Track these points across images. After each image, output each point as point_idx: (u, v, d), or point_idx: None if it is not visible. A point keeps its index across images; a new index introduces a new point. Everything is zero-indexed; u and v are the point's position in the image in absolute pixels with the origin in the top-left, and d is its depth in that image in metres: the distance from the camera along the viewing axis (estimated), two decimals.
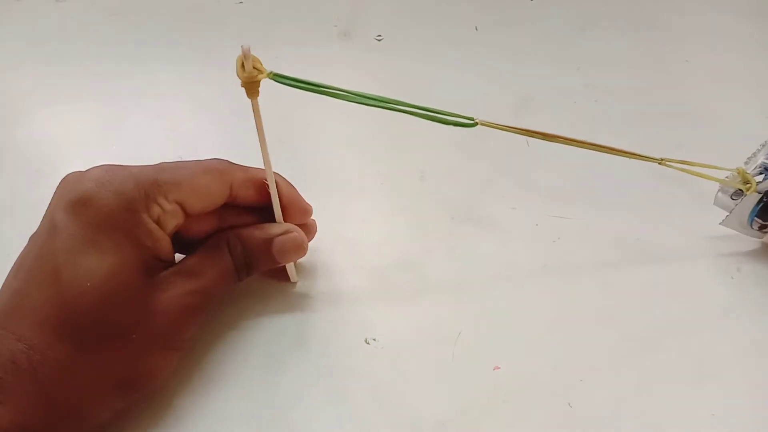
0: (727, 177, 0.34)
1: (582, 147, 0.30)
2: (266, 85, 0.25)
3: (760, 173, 0.33)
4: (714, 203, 0.35)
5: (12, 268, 0.27)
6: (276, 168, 0.29)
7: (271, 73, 0.24)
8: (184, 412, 0.29)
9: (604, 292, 0.34)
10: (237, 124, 0.40)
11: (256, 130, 0.26)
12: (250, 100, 0.25)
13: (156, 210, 0.27)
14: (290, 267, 0.33)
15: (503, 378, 0.31)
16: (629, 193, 0.39)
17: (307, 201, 0.32)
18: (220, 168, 0.29)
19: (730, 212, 0.34)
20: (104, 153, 0.41)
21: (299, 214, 0.32)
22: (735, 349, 0.32)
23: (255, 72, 0.24)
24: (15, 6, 0.53)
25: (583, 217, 0.37)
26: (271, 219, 0.31)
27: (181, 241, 0.30)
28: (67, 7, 0.53)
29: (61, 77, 0.47)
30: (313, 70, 0.47)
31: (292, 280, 0.34)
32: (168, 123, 0.43)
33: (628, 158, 0.32)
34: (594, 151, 0.33)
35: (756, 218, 0.33)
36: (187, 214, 0.29)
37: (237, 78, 0.24)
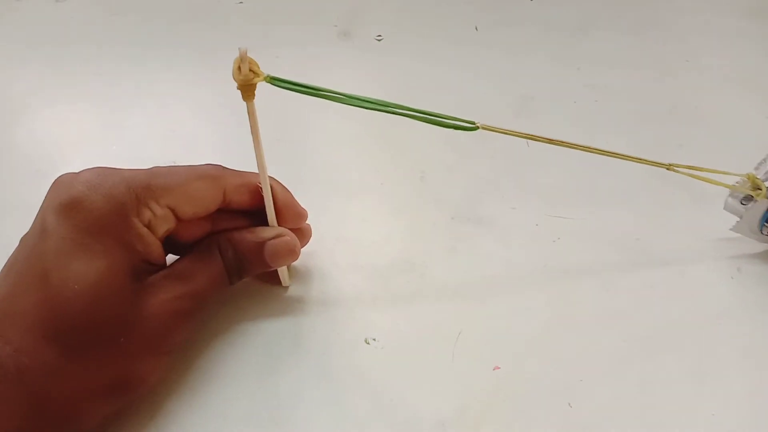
0: (737, 182, 0.34)
1: (588, 151, 0.30)
2: (265, 84, 0.25)
3: None
4: (724, 208, 0.35)
5: (2, 270, 0.26)
6: (275, 168, 0.29)
7: (268, 76, 0.24)
8: (179, 415, 0.29)
9: (604, 293, 0.34)
10: (237, 125, 0.40)
11: (255, 133, 0.26)
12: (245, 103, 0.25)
13: (147, 214, 0.27)
14: (282, 271, 0.33)
15: (503, 378, 0.31)
16: (629, 193, 0.39)
17: (302, 205, 0.32)
18: (213, 174, 0.29)
19: (741, 218, 0.34)
20: (104, 153, 0.41)
21: (294, 218, 0.32)
22: (735, 349, 0.32)
23: (251, 75, 0.24)
24: (15, 6, 0.53)
25: (583, 217, 0.37)
26: (265, 223, 0.31)
27: (173, 244, 0.30)
28: (67, 7, 0.53)
29: (61, 77, 0.47)
30: (313, 70, 0.47)
31: (284, 284, 0.34)
32: (168, 123, 0.43)
33: (636, 163, 0.32)
34: (591, 153, 0.33)
35: (766, 224, 0.33)
36: (179, 219, 0.28)
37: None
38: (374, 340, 0.32)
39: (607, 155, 0.31)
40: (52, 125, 0.43)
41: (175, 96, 0.45)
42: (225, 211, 0.30)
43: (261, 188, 0.29)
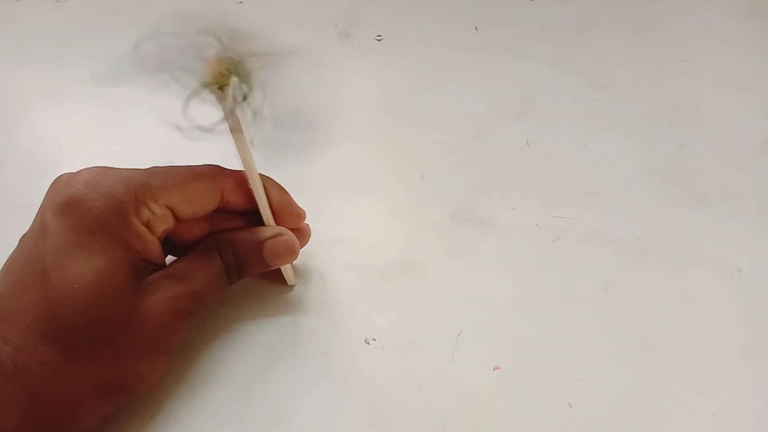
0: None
1: None
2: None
3: None
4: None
5: (1, 269, 0.27)
6: (274, 168, 0.29)
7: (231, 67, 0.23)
8: (179, 415, 0.29)
9: (604, 292, 0.34)
10: None
11: (236, 132, 0.26)
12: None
13: (146, 213, 0.27)
14: (287, 271, 0.33)
15: (503, 378, 0.31)
16: (629, 193, 0.39)
17: (301, 206, 0.32)
18: (211, 174, 0.29)
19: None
20: (103, 153, 0.41)
21: (292, 218, 0.32)
22: (735, 349, 0.32)
23: (223, 75, 0.23)
24: (15, 6, 0.53)
25: (583, 217, 0.37)
26: (264, 224, 0.31)
27: (172, 244, 0.30)
28: (67, 7, 0.53)
29: (61, 77, 0.47)
30: (314, 70, 0.47)
31: (289, 283, 0.34)
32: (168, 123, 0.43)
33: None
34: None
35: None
36: (177, 219, 0.28)
37: None
38: (374, 340, 0.32)
39: None
40: (51, 125, 0.43)
41: (175, 96, 0.45)
42: (224, 211, 0.30)
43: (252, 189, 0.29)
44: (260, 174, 0.29)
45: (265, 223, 0.31)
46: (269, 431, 0.29)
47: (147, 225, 0.27)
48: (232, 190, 0.30)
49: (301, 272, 0.35)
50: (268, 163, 0.29)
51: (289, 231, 0.31)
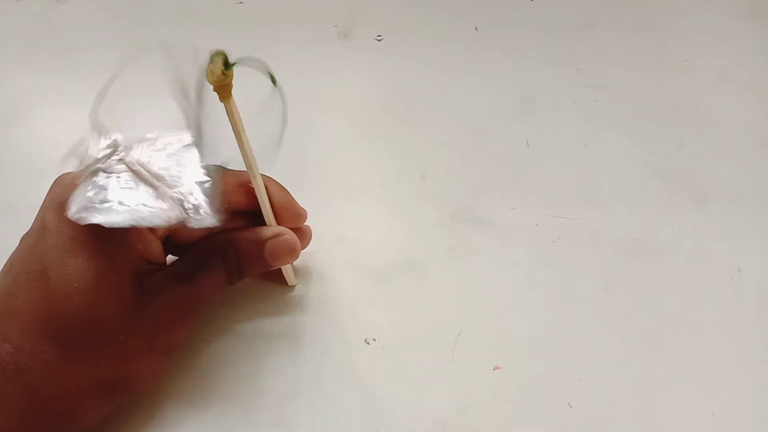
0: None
1: None
2: (266, 86, 0.25)
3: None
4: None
5: (2, 268, 0.27)
6: (274, 168, 0.29)
7: (231, 64, 0.23)
8: (179, 415, 0.29)
9: (604, 292, 0.34)
10: None
11: (237, 133, 0.26)
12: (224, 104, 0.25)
13: None
14: (288, 271, 0.33)
15: (503, 378, 0.31)
16: (629, 193, 0.39)
17: (301, 206, 0.32)
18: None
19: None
20: None
21: (293, 218, 0.32)
22: (735, 349, 0.32)
23: (223, 75, 0.23)
24: (15, 6, 0.53)
25: (583, 217, 0.37)
26: (265, 224, 0.31)
27: (173, 244, 0.30)
28: (67, 7, 0.53)
29: (61, 77, 0.47)
30: (313, 70, 0.47)
31: (290, 284, 0.34)
32: (168, 123, 0.43)
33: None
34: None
35: None
36: None
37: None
38: (374, 340, 0.32)
39: None
40: (52, 125, 0.43)
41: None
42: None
43: (254, 188, 0.29)
44: (262, 174, 0.29)
45: (267, 222, 0.31)
46: (269, 431, 0.29)
47: None
48: (233, 190, 0.30)
49: (301, 272, 0.35)
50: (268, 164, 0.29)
51: (290, 231, 0.31)
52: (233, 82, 0.24)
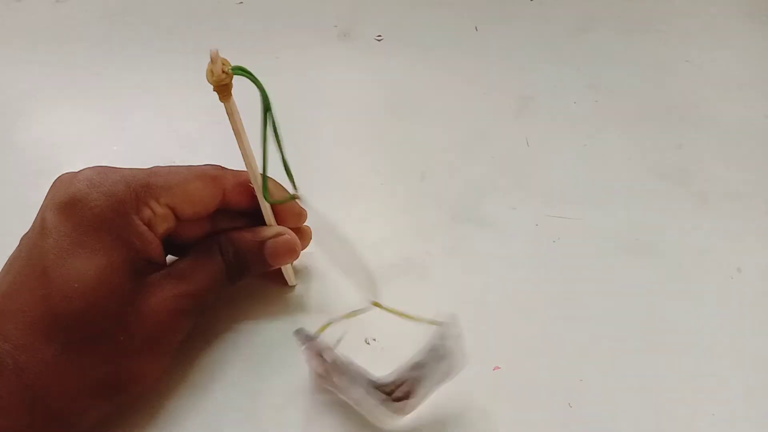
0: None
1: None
2: (265, 85, 0.25)
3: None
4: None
5: (2, 268, 0.27)
6: (274, 169, 0.29)
7: (233, 68, 0.24)
8: (179, 415, 0.29)
9: (604, 292, 0.34)
10: None
11: (237, 133, 0.26)
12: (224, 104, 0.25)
13: (147, 212, 0.27)
14: (288, 271, 0.33)
15: (503, 378, 0.31)
16: (629, 193, 0.39)
17: (301, 205, 0.32)
18: (212, 174, 0.29)
19: None
20: (104, 153, 0.41)
21: (292, 218, 0.32)
22: (735, 349, 0.32)
23: (224, 75, 0.23)
24: (15, 6, 0.53)
25: (583, 217, 0.37)
26: (265, 224, 0.31)
27: (173, 244, 0.30)
28: (66, 7, 0.53)
29: (61, 77, 0.47)
30: (313, 70, 0.47)
31: (290, 283, 0.34)
32: (168, 123, 0.43)
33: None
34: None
35: None
36: (178, 219, 0.28)
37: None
38: (374, 340, 0.32)
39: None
40: (52, 125, 0.43)
41: (175, 96, 0.45)
42: (225, 211, 0.30)
43: (254, 188, 0.29)
44: (262, 174, 0.29)
45: (267, 222, 0.31)
46: (268, 431, 0.29)
47: (148, 224, 0.27)
48: (234, 189, 0.30)
49: (301, 272, 0.35)
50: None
51: (290, 231, 0.31)
52: (233, 82, 0.24)
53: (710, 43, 0.50)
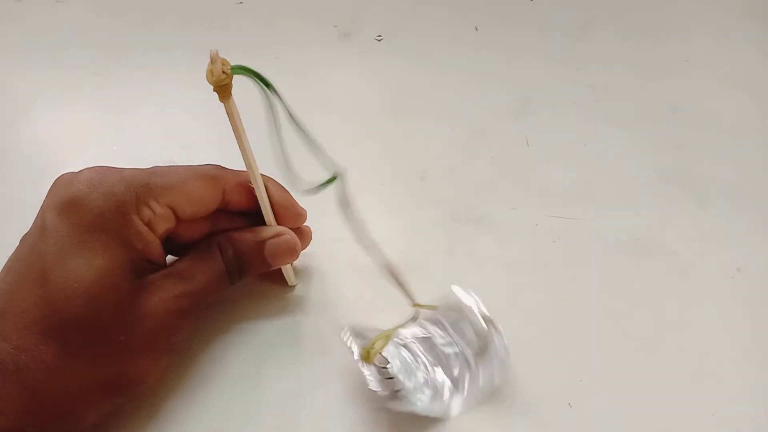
0: None
1: None
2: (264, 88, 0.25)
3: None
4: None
5: (2, 268, 0.27)
6: (274, 169, 0.29)
7: (232, 67, 0.24)
8: (179, 415, 0.29)
9: (604, 293, 0.34)
10: None
11: (237, 133, 0.26)
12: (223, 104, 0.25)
13: (147, 212, 0.27)
14: (288, 271, 0.33)
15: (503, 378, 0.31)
16: (629, 193, 0.39)
17: (301, 205, 0.32)
18: (212, 174, 0.29)
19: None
20: (104, 153, 0.41)
21: (293, 218, 0.32)
22: (735, 349, 0.32)
23: (224, 76, 0.23)
24: (15, 6, 0.53)
25: (583, 217, 0.37)
26: (265, 224, 0.31)
27: (173, 244, 0.30)
28: (67, 7, 0.53)
29: (61, 78, 0.47)
30: (313, 70, 0.47)
31: (290, 284, 0.34)
32: (168, 123, 0.43)
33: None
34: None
35: None
36: (179, 219, 0.28)
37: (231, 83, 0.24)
38: None
39: None
40: (52, 125, 0.43)
41: (175, 96, 0.45)
42: (225, 211, 0.30)
43: (253, 188, 0.29)
44: (262, 174, 0.29)
45: (267, 222, 0.31)
46: (269, 431, 0.29)
47: (148, 224, 0.27)
48: (234, 189, 0.30)
49: (301, 272, 0.35)
50: (267, 164, 0.29)
51: (290, 231, 0.31)
52: (233, 82, 0.24)
53: (710, 43, 0.50)
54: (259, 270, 0.31)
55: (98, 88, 0.46)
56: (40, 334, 0.24)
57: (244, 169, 0.28)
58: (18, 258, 0.26)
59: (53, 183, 0.27)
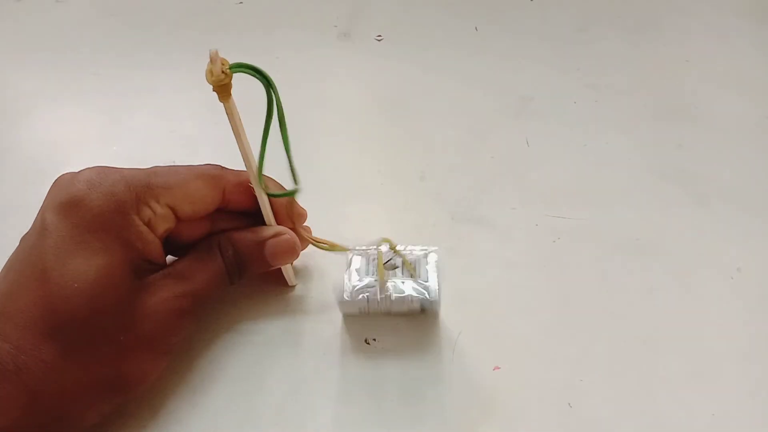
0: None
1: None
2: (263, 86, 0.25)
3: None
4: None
5: (2, 268, 0.27)
6: (274, 169, 0.29)
7: (230, 66, 0.24)
8: (179, 415, 0.29)
9: (604, 293, 0.34)
10: None
11: (237, 132, 0.26)
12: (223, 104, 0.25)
13: (147, 212, 0.27)
14: (288, 271, 0.33)
15: (503, 378, 0.31)
16: (629, 193, 0.39)
17: (301, 205, 0.32)
18: (213, 173, 0.29)
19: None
20: (104, 153, 0.41)
21: (293, 217, 0.32)
22: (735, 349, 0.32)
23: (223, 75, 0.23)
24: (15, 6, 0.53)
25: (583, 217, 0.37)
26: (265, 223, 0.31)
27: (173, 244, 0.30)
28: (67, 7, 0.53)
29: (61, 77, 0.47)
30: (314, 70, 0.47)
31: (290, 284, 0.34)
32: (168, 123, 0.43)
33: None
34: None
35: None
36: (179, 219, 0.28)
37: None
38: (374, 340, 0.32)
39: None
40: (52, 125, 0.43)
41: (175, 96, 0.45)
42: (225, 211, 0.30)
43: (253, 188, 0.29)
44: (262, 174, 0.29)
45: (267, 222, 0.31)
46: (269, 431, 0.29)
47: (148, 224, 0.27)
48: (234, 189, 0.30)
49: (301, 272, 0.35)
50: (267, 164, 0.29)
51: (290, 230, 0.31)
52: (233, 82, 0.24)
53: (710, 43, 0.50)
54: (259, 270, 0.31)
55: (98, 88, 0.46)
56: (40, 334, 0.24)
57: (244, 169, 0.28)
58: (18, 258, 0.26)
59: (53, 183, 0.27)
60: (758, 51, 0.49)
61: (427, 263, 0.31)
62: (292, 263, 0.33)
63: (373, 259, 0.31)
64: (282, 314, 0.33)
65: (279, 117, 0.26)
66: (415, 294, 0.30)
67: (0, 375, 0.23)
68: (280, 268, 0.32)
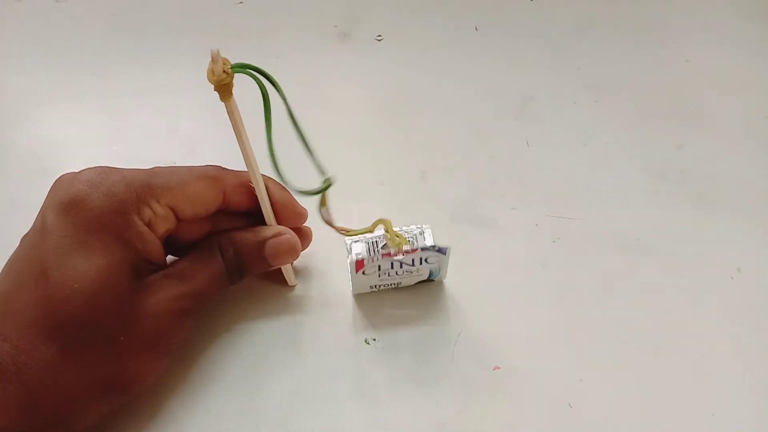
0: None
1: None
2: (264, 85, 0.25)
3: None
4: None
5: (2, 268, 0.27)
6: (271, 169, 0.29)
7: (232, 66, 0.24)
8: (179, 415, 0.29)
9: (604, 293, 0.34)
10: None
11: (238, 132, 0.26)
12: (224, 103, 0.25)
13: (147, 213, 0.27)
14: (288, 271, 0.33)
15: (503, 378, 0.31)
16: (629, 193, 0.39)
17: (301, 205, 0.32)
18: (213, 174, 0.29)
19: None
20: (104, 153, 0.41)
21: (293, 218, 0.32)
22: (735, 349, 0.32)
23: (224, 75, 0.23)
24: (15, 6, 0.53)
25: (583, 217, 0.37)
26: (265, 224, 0.31)
27: (173, 244, 0.30)
28: (67, 7, 0.53)
29: (61, 77, 0.47)
30: (314, 70, 0.47)
31: (290, 284, 0.34)
32: (168, 123, 0.43)
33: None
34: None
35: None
36: (179, 219, 0.28)
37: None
38: (374, 340, 0.32)
39: None
40: (52, 125, 0.43)
41: (176, 96, 0.45)
42: (225, 211, 0.30)
43: (254, 188, 0.29)
44: (262, 174, 0.29)
45: (267, 222, 0.31)
46: (269, 431, 0.29)
47: (148, 225, 0.27)
48: (234, 190, 0.30)
49: (301, 272, 0.35)
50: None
51: (290, 230, 0.31)
52: (234, 81, 0.24)
53: (710, 43, 0.50)
54: (260, 270, 0.31)
55: (98, 88, 0.46)
56: (40, 334, 0.24)
57: (245, 169, 0.28)
58: (18, 258, 0.26)
59: (54, 183, 0.27)
60: (758, 51, 0.49)
61: (424, 239, 0.32)
62: (292, 263, 0.33)
63: (374, 243, 0.31)
64: (282, 314, 0.33)
65: (289, 115, 0.26)
66: (423, 255, 0.31)
67: (0, 375, 0.23)
68: (280, 268, 0.32)
